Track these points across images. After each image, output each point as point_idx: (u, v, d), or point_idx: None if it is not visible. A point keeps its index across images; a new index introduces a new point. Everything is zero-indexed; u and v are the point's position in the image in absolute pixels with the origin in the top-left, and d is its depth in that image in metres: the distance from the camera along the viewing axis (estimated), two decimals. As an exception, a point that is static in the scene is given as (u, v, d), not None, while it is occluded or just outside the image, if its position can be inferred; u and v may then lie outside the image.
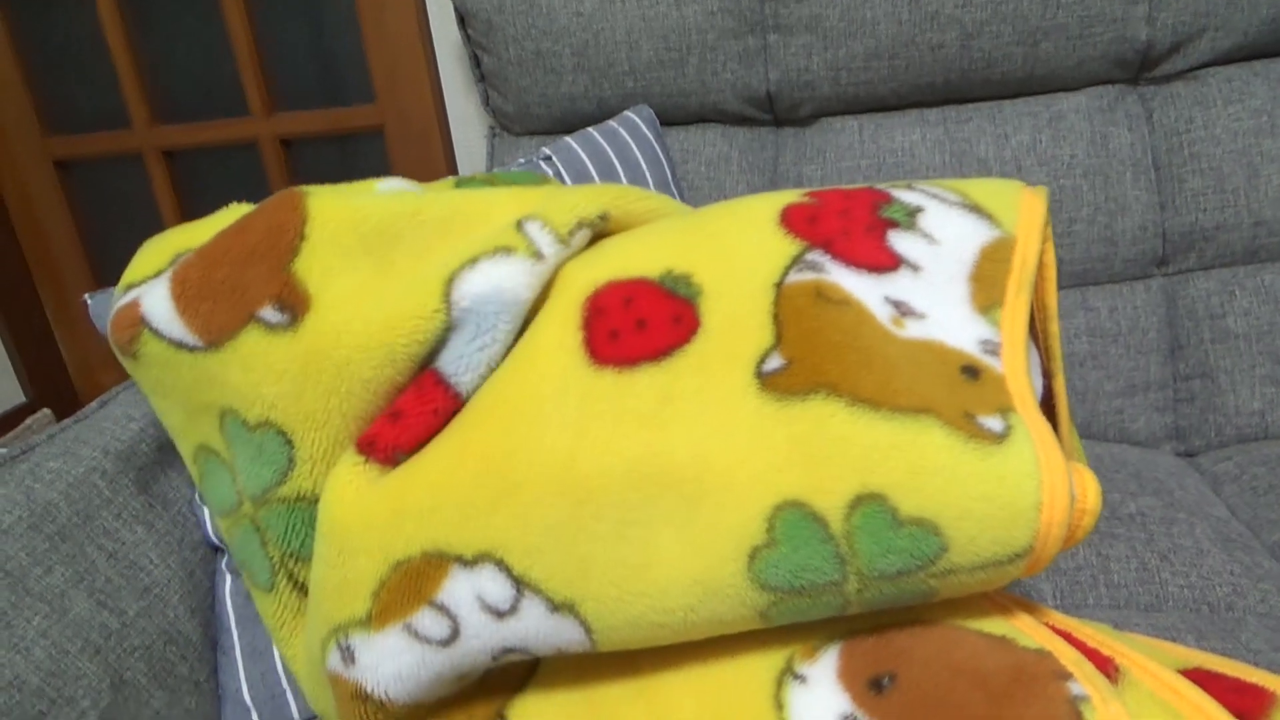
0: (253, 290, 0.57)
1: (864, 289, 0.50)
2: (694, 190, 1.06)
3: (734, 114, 1.07)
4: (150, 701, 0.59)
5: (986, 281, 0.51)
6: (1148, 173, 0.98)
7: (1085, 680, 0.40)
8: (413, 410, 0.53)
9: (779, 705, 0.44)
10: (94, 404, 0.72)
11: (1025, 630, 0.44)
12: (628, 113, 1.03)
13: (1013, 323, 0.49)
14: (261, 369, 0.57)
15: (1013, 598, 0.48)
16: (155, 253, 0.70)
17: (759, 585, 0.44)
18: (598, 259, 0.57)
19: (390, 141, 1.36)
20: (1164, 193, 0.98)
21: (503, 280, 0.54)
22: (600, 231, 0.61)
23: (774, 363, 0.47)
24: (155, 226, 1.50)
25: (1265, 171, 0.94)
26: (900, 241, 0.52)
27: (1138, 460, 0.88)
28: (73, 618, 0.57)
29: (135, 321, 0.60)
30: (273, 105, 1.40)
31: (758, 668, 0.46)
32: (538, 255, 0.56)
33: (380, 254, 0.59)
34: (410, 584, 0.48)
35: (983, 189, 0.55)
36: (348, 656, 0.50)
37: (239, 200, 0.73)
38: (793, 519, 0.43)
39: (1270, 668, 0.57)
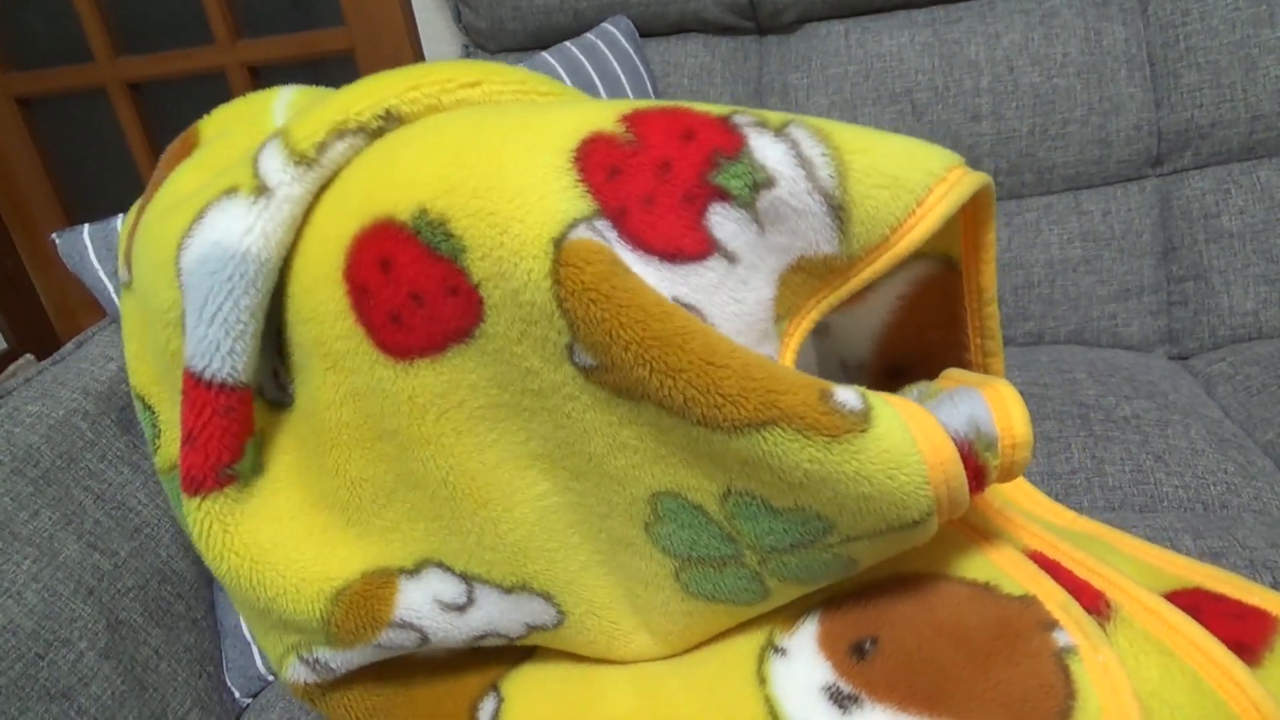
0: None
1: (651, 280, 0.39)
2: (677, 104, 1.03)
3: (715, 22, 1.03)
4: (148, 640, 0.59)
5: (791, 288, 0.43)
6: (1142, 69, 0.95)
7: (1073, 627, 0.38)
8: (197, 425, 0.45)
9: (761, 680, 0.43)
10: (70, 345, 0.70)
11: (1010, 570, 0.42)
12: (605, 24, 1.00)
13: (795, 334, 0.44)
14: (127, 329, 0.55)
15: (998, 518, 0.47)
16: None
17: (662, 550, 0.43)
18: (350, 184, 0.45)
19: (362, 65, 1.32)
20: (1159, 89, 0.95)
21: (220, 234, 0.43)
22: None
23: (583, 359, 0.39)
24: (125, 163, 1.46)
25: (1263, 63, 0.91)
26: (722, 223, 0.40)
27: (1131, 364, 0.87)
28: (63, 560, 0.57)
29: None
30: (238, 32, 1.35)
31: (741, 643, 0.45)
32: (260, 190, 0.44)
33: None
34: (361, 611, 0.46)
35: (890, 165, 0.40)
36: (318, 668, 0.48)
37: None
38: (672, 505, 0.42)
39: (1265, 564, 0.57)
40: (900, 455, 0.36)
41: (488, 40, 1.09)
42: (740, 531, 0.41)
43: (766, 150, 0.40)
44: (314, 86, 0.61)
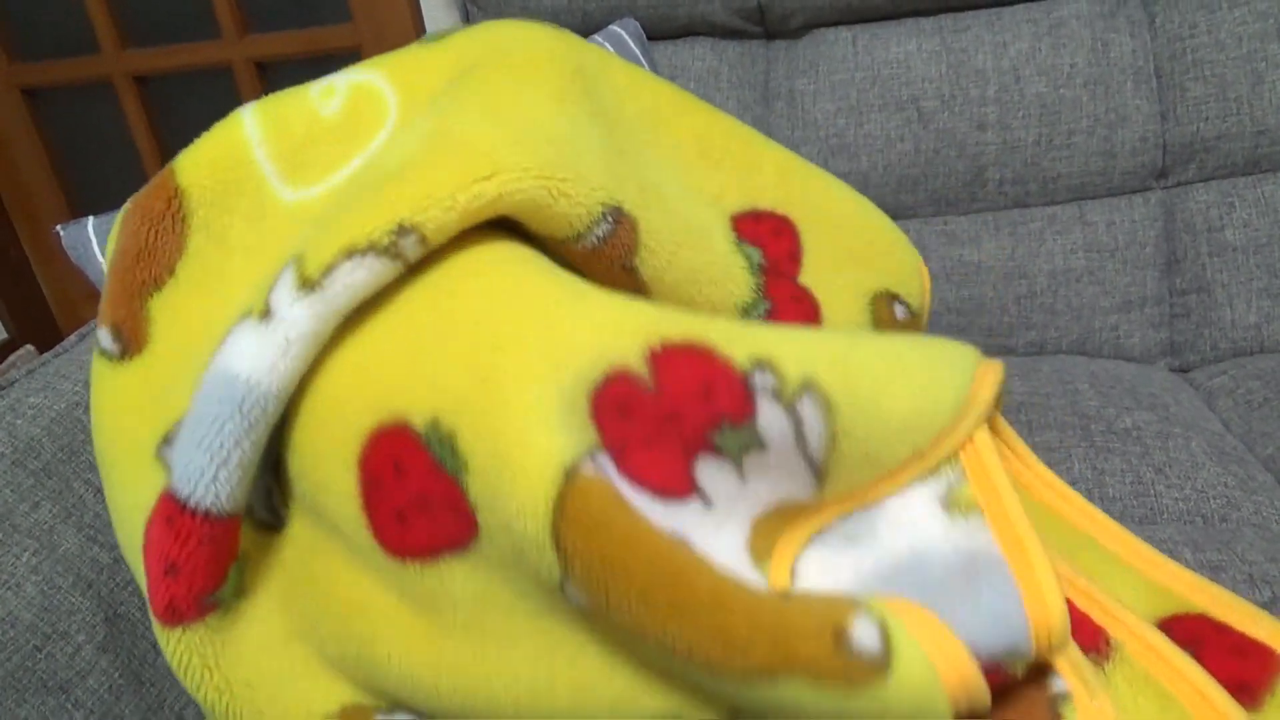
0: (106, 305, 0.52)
1: (647, 513, 0.38)
2: (683, 107, 1.03)
3: (723, 26, 1.03)
4: (146, 634, 0.59)
5: (762, 534, 0.42)
6: (1149, 81, 0.95)
7: (1069, 672, 0.38)
8: (181, 555, 0.43)
9: None
10: (73, 337, 0.70)
11: None
12: (613, 26, 1.00)
13: (781, 561, 0.42)
14: (115, 403, 0.53)
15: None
16: None
17: None
18: (372, 355, 0.43)
19: (368, 62, 1.32)
20: (1165, 102, 0.95)
21: (228, 359, 0.42)
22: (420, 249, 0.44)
23: (577, 598, 0.37)
24: (130, 156, 1.46)
25: (1270, 78, 0.91)
26: (707, 471, 0.40)
27: (1133, 376, 0.87)
28: (63, 553, 0.57)
29: None
30: (245, 26, 1.35)
31: None
32: (265, 314, 0.42)
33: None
34: None
35: (899, 415, 0.41)
36: None
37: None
38: None
39: (1265, 578, 0.57)
40: (925, 699, 0.33)
41: (495, 40, 1.09)
42: None
43: (771, 424, 0.41)
44: (279, 93, 0.58)
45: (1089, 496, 0.71)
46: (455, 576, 0.40)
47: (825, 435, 0.41)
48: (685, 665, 0.35)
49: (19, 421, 0.60)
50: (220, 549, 0.44)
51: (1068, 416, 0.78)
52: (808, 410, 0.41)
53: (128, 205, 0.55)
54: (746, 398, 0.41)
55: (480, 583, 0.40)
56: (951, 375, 0.42)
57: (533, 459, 0.36)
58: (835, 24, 1.03)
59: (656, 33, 1.05)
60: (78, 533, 0.58)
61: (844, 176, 0.99)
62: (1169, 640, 0.40)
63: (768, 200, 0.61)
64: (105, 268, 0.59)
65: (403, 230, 0.42)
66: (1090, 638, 0.40)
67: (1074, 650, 0.39)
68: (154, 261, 0.52)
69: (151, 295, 0.52)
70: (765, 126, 1.02)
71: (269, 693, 0.45)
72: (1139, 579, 0.47)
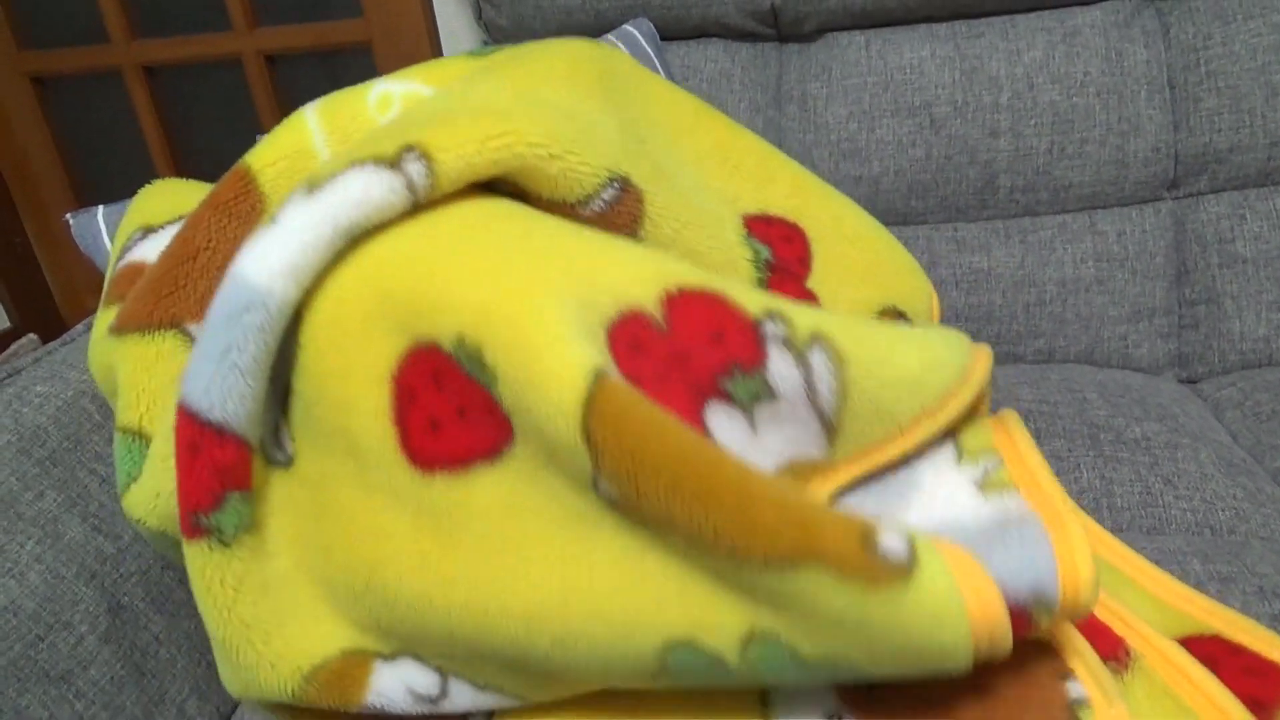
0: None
1: None
2: (694, 109, 1.03)
3: (736, 28, 1.03)
4: (149, 626, 0.59)
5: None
6: (1162, 91, 0.95)
7: (1088, 678, 0.38)
8: (186, 472, 0.42)
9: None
10: (80, 326, 0.70)
11: None
12: (626, 26, 1.00)
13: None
14: (125, 372, 0.52)
15: None
16: (164, 195, 0.64)
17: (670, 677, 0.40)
18: (391, 280, 0.43)
19: (378, 58, 1.32)
20: (1178, 112, 0.95)
21: (236, 265, 0.42)
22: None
23: (608, 491, 0.37)
24: (138, 146, 1.46)
25: (1284, 90, 0.91)
26: (717, 418, 0.41)
27: (1141, 386, 0.87)
28: (67, 543, 0.56)
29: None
30: (256, 19, 1.35)
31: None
32: (271, 221, 0.42)
33: None
34: (335, 690, 0.44)
35: (905, 374, 0.43)
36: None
37: (222, 118, 0.68)
38: (685, 657, 0.38)
39: (1275, 591, 0.57)
40: (944, 614, 0.34)
41: (507, 39, 1.09)
42: (762, 676, 0.38)
43: (782, 372, 0.42)
44: (337, 94, 0.58)
45: (1097, 506, 0.71)
46: (482, 486, 0.40)
47: (836, 387, 0.42)
48: (711, 553, 0.35)
49: (25, 410, 0.60)
50: (216, 465, 0.42)
51: (1076, 425, 0.77)
52: (818, 360, 0.42)
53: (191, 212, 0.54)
54: (758, 344, 0.42)
55: (507, 491, 0.40)
56: (951, 347, 0.45)
57: (561, 362, 0.37)
58: (849, 28, 1.02)
59: (669, 33, 1.04)
60: (82, 522, 0.58)
61: (855, 181, 0.99)
62: (1188, 654, 0.40)
63: (781, 209, 0.62)
64: (117, 257, 0.58)
65: (409, 149, 0.43)
66: (1110, 647, 0.41)
67: (1092, 657, 0.39)
68: (219, 252, 0.52)
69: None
70: (777, 129, 1.01)
71: (265, 631, 0.45)
72: (1153, 600, 0.47)
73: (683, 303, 0.42)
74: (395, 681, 0.44)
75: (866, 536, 0.34)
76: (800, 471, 0.43)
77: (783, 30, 1.04)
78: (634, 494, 0.36)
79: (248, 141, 0.58)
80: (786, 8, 1.00)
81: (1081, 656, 0.39)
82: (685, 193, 0.54)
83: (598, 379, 0.36)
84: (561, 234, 0.44)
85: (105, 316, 0.55)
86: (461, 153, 0.44)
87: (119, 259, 0.59)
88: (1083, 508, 0.71)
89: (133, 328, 0.51)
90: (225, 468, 0.43)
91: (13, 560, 0.54)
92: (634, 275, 0.43)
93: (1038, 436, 0.76)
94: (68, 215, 0.73)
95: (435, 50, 1.29)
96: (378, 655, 0.45)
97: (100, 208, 0.73)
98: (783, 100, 1.02)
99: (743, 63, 1.03)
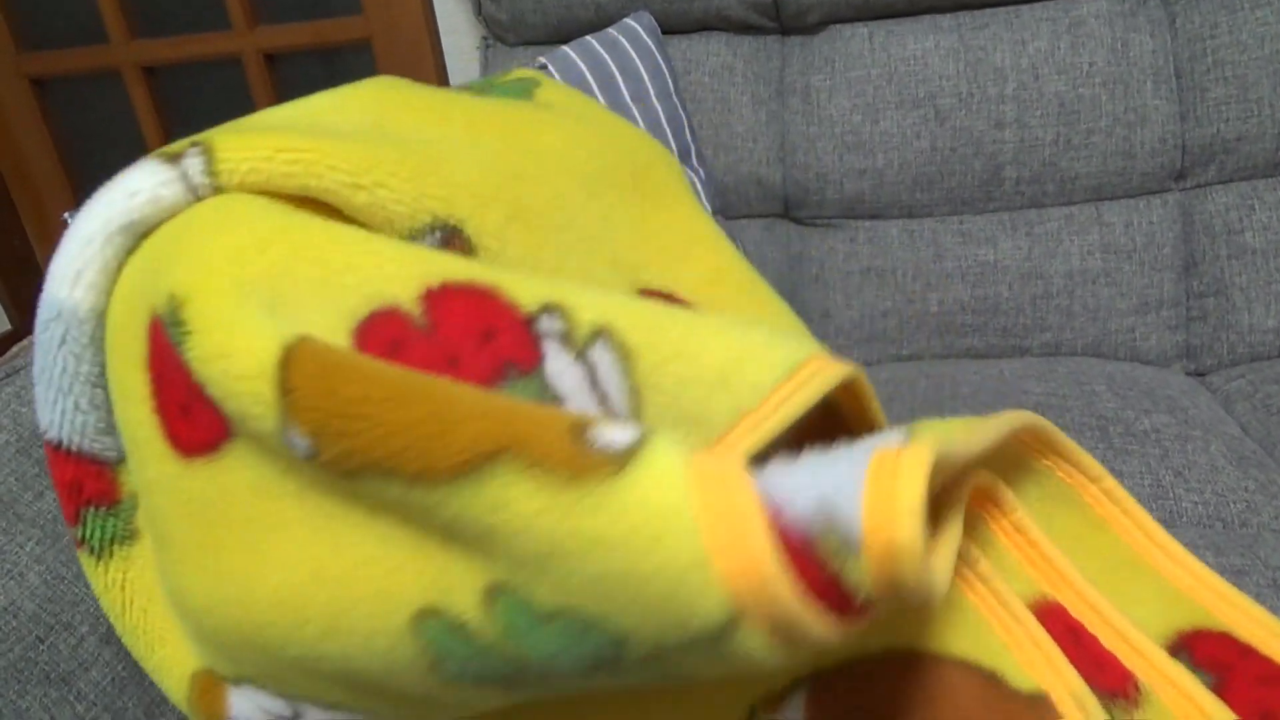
0: None
1: None
2: (697, 103, 1.02)
3: (738, 21, 1.02)
4: (151, 626, 0.58)
5: None
6: (1169, 81, 0.94)
7: (1070, 706, 0.34)
8: (58, 495, 0.42)
9: None
10: (79, 325, 0.69)
11: (1020, 654, 0.37)
12: (628, 20, 0.99)
13: None
14: None
15: (1014, 548, 0.43)
16: None
17: (446, 683, 0.35)
18: (152, 244, 0.40)
19: (378, 55, 1.31)
20: (1185, 102, 0.94)
21: (48, 280, 0.40)
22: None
23: (299, 442, 0.32)
24: (138, 147, 1.45)
25: (1292, 79, 0.90)
26: None
27: (1149, 378, 0.86)
28: (66, 543, 0.56)
29: None
30: (255, 18, 1.35)
31: (720, 712, 0.39)
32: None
33: None
34: (204, 704, 0.42)
35: (712, 374, 0.35)
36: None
37: (223, 117, 0.67)
38: (438, 633, 0.32)
39: (1291, 584, 0.56)
40: (659, 518, 0.26)
41: (507, 33, 1.09)
42: (524, 651, 0.31)
43: (562, 374, 0.36)
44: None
45: (1107, 499, 0.70)
46: (231, 467, 0.36)
47: (625, 387, 0.35)
48: (404, 489, 0.30)
49: (24, 410, 0.59)
50: (62, 482, 0.41)
51: (1085, 418, 0.77)
52: (602, 356, 0.36)
53: None
54: (532, 342, 0.36)
55: (252, 468, 0.35)
56: (781, 345, 0.36)
57: (254, 335, 0.33)
58: (852, 20, 1.02)
59: (670, 27, 1.04)
60: (82, 522, 0.57)
61: (859, 175, 0.98)
62: (1201, 685, 0.39)
63: (690, 289, 0.54)
64: None
65: (194, 145, 0.41)
66: (1117, 681, 0.39)
67: (1092, 702, 0.36)
68: None
69: None
70: (780, 123, 1.01)
71: (149, 641, 0.44)
72: (1161, 585, 0.45)
73: (445, 298, 0.36)
74: (249, 704, 0.41)
75: (577, 429, 0.28)
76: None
77: (785, 23, 1.03)
78: (324, 435, 0.31)
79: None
80: (789, 0, 0.99)
81: (1080, 704, 0.35)
82: (561, 248, 0.48)
83: (300, 340, 0.32)
84: (321, 230, 0.40)
85: None
86: (248, 155, 0.41)
87: None
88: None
89: None
90: (70, 485, 0.42)
91: (12, 561, 0.53)
92: (392, 272, 0.37)
93: (1046, 430, 0.75)
94: (66, 214, 0.73)
95: (435, 46, 1.28)
96: (224, 679, 0.42)
97: (99, 206, 0.73)
98: (785, 93, 1.01)
99: (745, 56, 1.03)
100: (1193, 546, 0.61)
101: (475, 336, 0.36)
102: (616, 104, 0.91)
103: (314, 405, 0.31)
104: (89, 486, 0.42)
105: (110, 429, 0.42)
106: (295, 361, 0.31)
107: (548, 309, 0.37)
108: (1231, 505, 0.69)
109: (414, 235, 0.43)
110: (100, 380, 0.42)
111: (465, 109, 0.51)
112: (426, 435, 0.29)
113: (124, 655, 0.56)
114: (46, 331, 0.40)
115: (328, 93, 0.55)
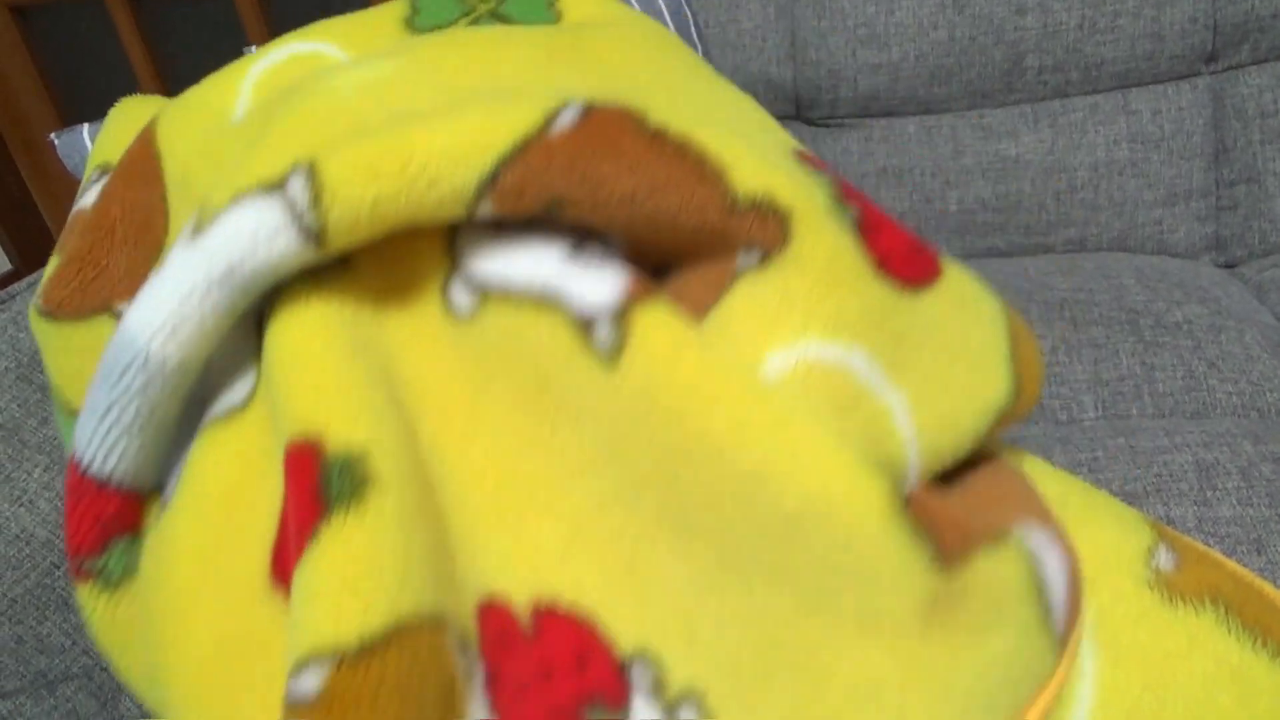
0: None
1: None
2: (702, 1, 0.97)
3: (742, -89, 0.97)
4: (167, 550, 0.57)
5: None
6: (1200, -45, 0.89)
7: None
8: (70, 516, 0.41)
9: None
10: (74, 251, 0.67)
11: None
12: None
13: None
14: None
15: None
16: (131, 121, 0.60)
17: None
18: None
19: (368, -32, 1.26)
20: (1217, -22, 0.89)
21: (128, 315, 0.38)
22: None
23: None
24: (126, 75, 1.41)
25: (1332, -53, 0.85)
26: None
27: (1179, 270, 0.83)
28: (76, 469, 0.55)
29: None
30: (237, -67, 1.29)
31: None
32: (160, 267, 0.38)
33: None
34: None
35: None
36: None
37: (212, 48, 0.62)
38: None
39: (1334, 467, 0.54)
40: None
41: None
42: None
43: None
44: (293, 56, 0.51)
45: (1138, 392, 0.68)
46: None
47: None
48: None
49: (22, 335, 0.58)
50: (100, 515, 0.40)
51: (1114, 312, 0.74)
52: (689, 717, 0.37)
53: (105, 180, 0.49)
54: (622, 685, 0.38)
55: None
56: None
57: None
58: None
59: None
60: (90, 448, 0.56)
61: (874, 70, 0.94)
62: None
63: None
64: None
65: (297, 167, 0.35)
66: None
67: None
68: (155, 228, 0.47)
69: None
70: (789, 18, 0.96)
71: (144, 682, 0.43)
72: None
73: (553, 619, 0.38)
74: None
75: None
76: None
77: (792, -89, 0.97)
78: None
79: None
80: (795, -115, 0.94)
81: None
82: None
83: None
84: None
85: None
86: (361, 181, 0.35)
87: (77, 200, 0.56)
88: (1122, 394, 0.68)
89: (65, 315, 0.47)
90: (107, 518, 0.40)
91: (20, 489, 0.52)
92: (504, 566, 0.38)
93: (1074, 325, 0.73)
94: (51, 135, 0.70)
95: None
96: None
97: (85, 126, 0.70)
98: (794, -14, 0.97)
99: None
100: (1230, 436, 0.60)
101: (572, 659, 0.37)
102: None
103: None
104: (126, 518, 0.41)
105: (159, 462, 0.41)
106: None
107: (641, 658, 0.37)
108: (1268, 394, 0.67)
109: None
110: (170, 426, 0.40)
111: (527, 48, 0.47)
112: None
113: (141, 579, 0.55)
114: (124, 377, 0.37)
115: (387, 57, 0.50)
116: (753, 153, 0.38)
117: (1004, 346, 0.40)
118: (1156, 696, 0.35)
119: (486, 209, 0.36)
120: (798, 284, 0.37)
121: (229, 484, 0.40)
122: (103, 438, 0.39)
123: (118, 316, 0.46)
